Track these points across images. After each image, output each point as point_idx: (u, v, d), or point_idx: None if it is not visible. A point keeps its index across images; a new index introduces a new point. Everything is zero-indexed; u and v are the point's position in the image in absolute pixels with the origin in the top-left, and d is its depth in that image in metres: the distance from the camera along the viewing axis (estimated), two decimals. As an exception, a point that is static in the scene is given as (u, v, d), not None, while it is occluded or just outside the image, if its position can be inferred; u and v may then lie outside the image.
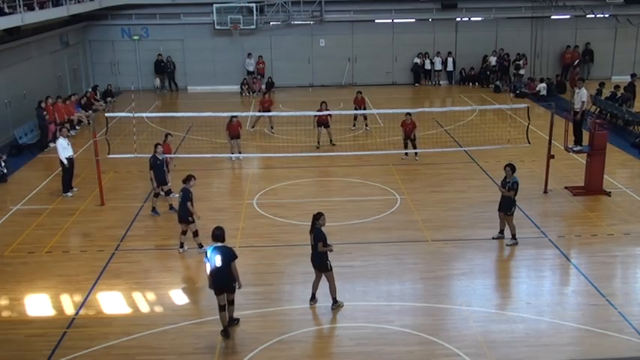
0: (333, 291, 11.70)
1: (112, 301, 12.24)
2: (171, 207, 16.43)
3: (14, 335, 11.20)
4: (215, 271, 10.68)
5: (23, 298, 12.44)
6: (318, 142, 22.02)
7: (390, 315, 11.63)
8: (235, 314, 11.27)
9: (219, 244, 10.75)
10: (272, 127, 24.79)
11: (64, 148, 17.80)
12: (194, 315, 11.77)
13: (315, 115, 21.62)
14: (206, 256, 10.78)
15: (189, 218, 13.93)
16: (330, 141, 22.36)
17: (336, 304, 11.77)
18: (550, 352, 10.49)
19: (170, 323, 11.39)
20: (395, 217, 16.12)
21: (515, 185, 14.08)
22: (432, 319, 11.47)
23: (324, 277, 11.72)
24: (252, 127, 24.73)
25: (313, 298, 11.93)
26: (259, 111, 24.73)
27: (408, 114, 20.34)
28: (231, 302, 11.10)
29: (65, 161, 17.76)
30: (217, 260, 10.60)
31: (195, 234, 14.17)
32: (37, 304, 12.20)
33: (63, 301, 12.28)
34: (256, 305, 11.95)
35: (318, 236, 11.46)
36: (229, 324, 11.12)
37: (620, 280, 13.27)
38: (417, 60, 34.14)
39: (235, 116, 20.62)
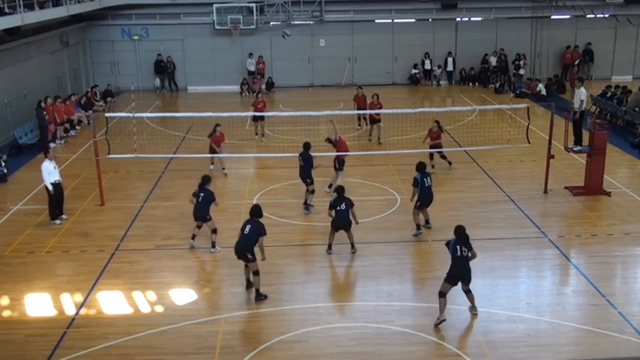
0: (352, 238, 13.90)
1: (112, 301, 12.24)
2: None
3: (14, 335, 11.18)
4: (241, 238, 12.04)
5: (23, 298, 12.43)
6: (370, 135, 22.96)
7: (390, 315, 11.63)
8: (236, 314, 11.27)
9: (255, 218, 12.16)
10: (262, 135, 23.23)
11: (49, 173, 15.74)
12: (194, 315, 11.75)
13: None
14: None
15: (207, 216, 14.19)
16: (378, 139, 22.53)
17: (354, 249, 13.87)
18: (550, 352, 10.49)
19: (170, 323, 11.38)
20: (395, 217, 16.11)
21: (413, 180, 14.65)
22: (432, 319, 11.44)
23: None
24: (256, 134, 23.50)
25: (330, 248, 13.94)
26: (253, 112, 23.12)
27: (436, 122, 19.68)
28: (255, 273, 12.06)
29: (50, 187, 15.72)
30: (246, 229, 12.00)
31: (214, 231, 14.30)
32: (37, 304, 12.19)
33: (63, 301, 12.27)
34: (256, 305, 11.95)
35: (352, 202, 13.74)
36: (256, 298, 12.07)
37: (620, 280, 13.26)
38: (414, 70, 34.28)
39: (219, 125, 19.41)
